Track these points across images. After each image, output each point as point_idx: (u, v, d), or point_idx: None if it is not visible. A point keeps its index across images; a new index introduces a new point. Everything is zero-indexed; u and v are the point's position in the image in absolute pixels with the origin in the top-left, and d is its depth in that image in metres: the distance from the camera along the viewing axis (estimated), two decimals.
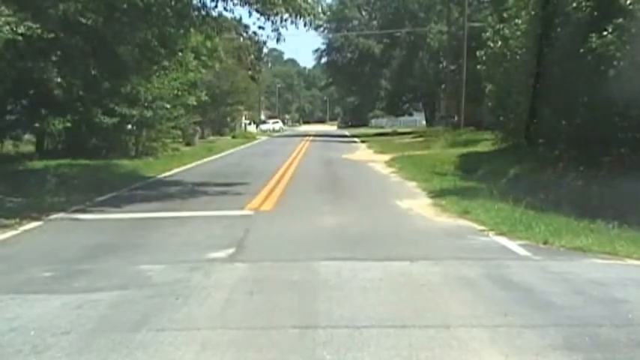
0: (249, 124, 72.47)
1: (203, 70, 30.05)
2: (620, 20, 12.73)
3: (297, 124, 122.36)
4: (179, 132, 32.55)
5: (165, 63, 19.41)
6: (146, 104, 25.68)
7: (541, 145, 17.31)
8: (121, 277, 7.08)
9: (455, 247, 8.95)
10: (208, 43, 24.91)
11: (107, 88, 19.67)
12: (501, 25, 20.64)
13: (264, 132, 73.25)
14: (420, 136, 40.15)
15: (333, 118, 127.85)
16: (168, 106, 27.32)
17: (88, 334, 5.10)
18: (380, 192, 16.18)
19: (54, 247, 9.11)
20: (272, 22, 15.51)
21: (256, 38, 18.20)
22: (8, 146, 24.28)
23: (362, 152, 34.35)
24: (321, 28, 57.22)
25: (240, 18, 20.72)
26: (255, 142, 51.17)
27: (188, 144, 37.29)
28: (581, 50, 13.28)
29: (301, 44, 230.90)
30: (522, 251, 8.58)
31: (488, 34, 22.20)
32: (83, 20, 13.73)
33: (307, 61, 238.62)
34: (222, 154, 33.75)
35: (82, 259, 8.12)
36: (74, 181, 16.57)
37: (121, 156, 25.43)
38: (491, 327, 5.24)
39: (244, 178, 19.07)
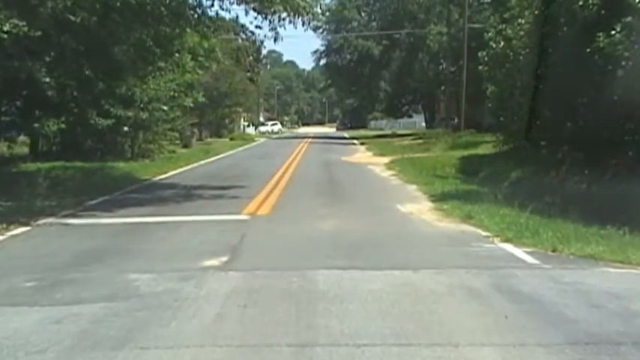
0: (248, 126, 72.33)
1: (200, 71, 29.72)
2: (629, 19, 12.33)
3: (296, 126, 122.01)
4: (176, 134, 32.30)
5: (161, 64, 19.05)
6: (142, 105, 25.37)
7: (543, 148, 16.92)
8: (108, 287, 6.72)
9: (459, 254, 8.58)
10: (205, 44, 24.57)
11: (102, 88, 19.22)
12: (504, 26, 20.28)
13: (262, 134, 73.00)
14: (420, 138, 39.82)
15: (332, 120, 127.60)
16: (164, 107, 27.07)
17: (66, 352, 4.75)
18: (380, 195, 15.87)
19: (40, 254, 8.71)
20: (270, 21, 15.30)
21: (253, 38, 17.87)
22: (3, 148, 23.88)
23: (361, 154, 34.05)
24: (320, 30, 57.01)
25: (237, 17, 20.28)
26: (254, 144, 50.87)
27: (185, 146, 37.10)
28: (588, 50, 12.90)
29: (300, 46, 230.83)
30: (530, 259, 8.19)
31: (490, 34, 21.83)
32: (73, 18, 13.35)
33: (306, 62, 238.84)
34: (220, 156, 33.47)
35: (68, 267, 7.74)
36: (67, 183, 16.29)
37: (116, 158, 25.14)
38: (503, 346, 4.88)
39: (241, 181, 18.77)
